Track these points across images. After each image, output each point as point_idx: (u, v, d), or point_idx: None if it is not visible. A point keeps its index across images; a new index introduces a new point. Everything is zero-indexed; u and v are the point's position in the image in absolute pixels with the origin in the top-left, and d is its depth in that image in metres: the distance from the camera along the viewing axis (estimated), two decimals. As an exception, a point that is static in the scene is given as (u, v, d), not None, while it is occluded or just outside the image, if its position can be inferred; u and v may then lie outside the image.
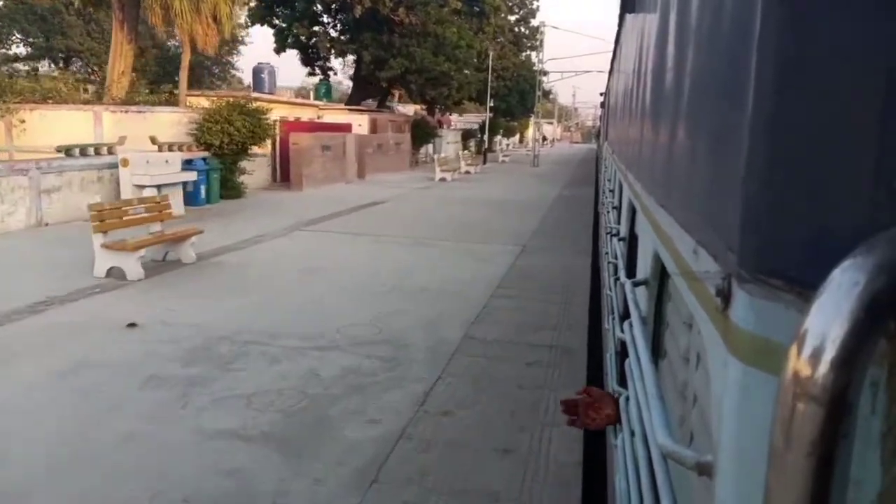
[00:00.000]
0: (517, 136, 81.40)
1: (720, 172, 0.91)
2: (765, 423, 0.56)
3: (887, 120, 0.61)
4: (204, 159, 13.73)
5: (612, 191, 6.24)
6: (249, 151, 15.05)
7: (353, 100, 34.89)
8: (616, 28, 7.21)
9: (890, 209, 0.62)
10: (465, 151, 32.44)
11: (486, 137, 36.39)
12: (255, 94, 21.31)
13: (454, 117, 65.32)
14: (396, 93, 34.92)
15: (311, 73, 34.94)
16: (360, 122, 28.77)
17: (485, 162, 32.98)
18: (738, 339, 0.72)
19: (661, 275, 1.69)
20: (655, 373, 1.40)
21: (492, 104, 41.80)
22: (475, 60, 36.80)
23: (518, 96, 47.45)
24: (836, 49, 0.65)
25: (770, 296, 0.69)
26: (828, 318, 0.48)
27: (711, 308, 0.85)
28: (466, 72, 34.56)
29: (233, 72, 41.57)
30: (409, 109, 38.18)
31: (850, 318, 0.46)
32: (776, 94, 0.69)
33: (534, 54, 40.76)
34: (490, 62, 37.95)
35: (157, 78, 27.03)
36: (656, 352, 1.70)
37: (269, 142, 18.15)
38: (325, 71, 35.99)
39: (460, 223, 11.01)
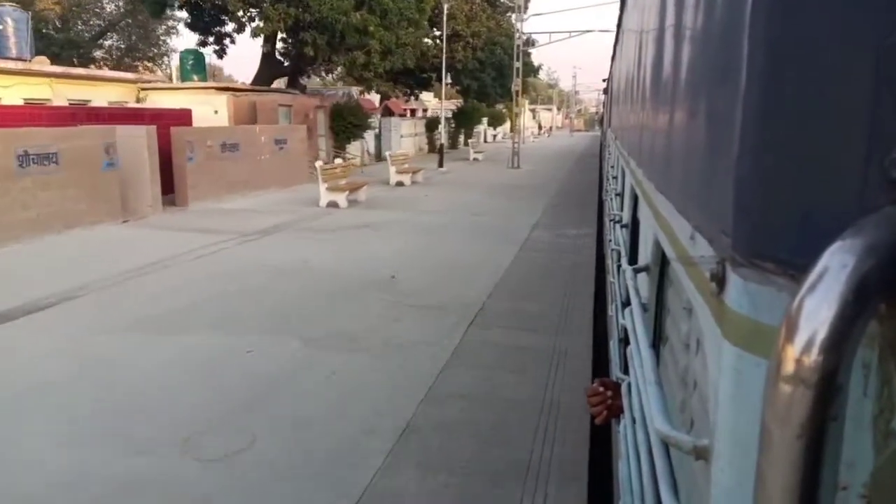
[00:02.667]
0: (507, 125, 67.33)
1: (714, 157, 0.91)
2: (758, 406, 0.56)
3: (877, 103, 0.60)
4: None
5: (615, 177, 6.07)
6: None
7: (262, 79, 26.78)
8: (618, 12, 7.01)
9: (879, 191, 0.60)
10: (400, 151, 26.01)
11: (441, 129, 31.77)
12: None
13: (433, 102, 57.00)
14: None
15: (203, 43, 26.97)
16: (216, 108, 20.22)
17: (441, 164, 27.68)
18: (733, 323, 0.74)
19: (662, 261, 1.69)
20: (654, 359, 1.43)
21: (450, 81, 22.81)
22: (420, 17, 27.34)
23: (494, 72, 33.92)
24: (825, 32, 0.65)
25: (762, 279, 0.69)
26: (817, 300, 0.48)
27: (707, 292, 0.87)
28: (407, 29, 25.30)
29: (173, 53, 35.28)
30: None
31: (839, 301, 0.47)
32: (766, 77, 0.69)
33: (514, 17, 32.98)
34: (445, 20, 29.44)
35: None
36: (658, 338, 1.74)
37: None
38: (221, 39, 27.26)
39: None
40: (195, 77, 21.29)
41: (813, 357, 0.47)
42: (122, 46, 31.96)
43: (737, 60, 0.74)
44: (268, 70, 24.88)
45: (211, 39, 24.18)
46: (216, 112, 17.56)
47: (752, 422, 0.64)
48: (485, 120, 56.38)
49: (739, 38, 0.74)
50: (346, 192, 14.50)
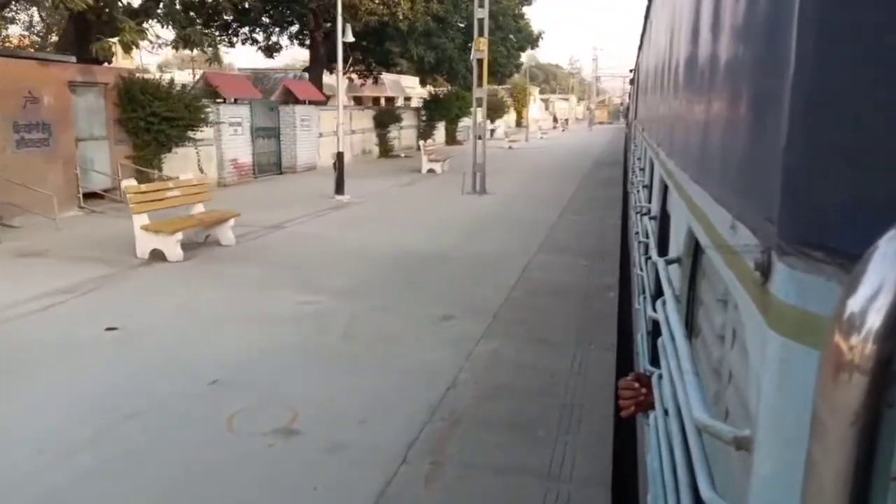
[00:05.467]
0: (511, 117, 53.82)
1: (760, 144, 0.94)
2: (805, 396, 0.59)
3: None
4: None
5: (641, 169, 6.12)
6: None
7: (67, 42, 17.90)
8: (646, 3, 7.34)
9: None
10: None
11: (338, 127, 17.88)
12: None
13: (420, 89, 42.63)
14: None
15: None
16: None
17: (339, 189, 16.88)
18: (778, 312, 0.76)
19: (695, 252, 1.81)
20: (690, 349, 1.50)
21: (345, 41, 19.88)
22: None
23: (462, 36, 18.68)
24: (877, 16, 0.65)
25: (811, 268, 0.70)
26: (872, 287, 0.49)
27: (750, 282, 0.90)
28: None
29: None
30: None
31: None
32: (817, 62, 0.70)
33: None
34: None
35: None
36: (689, 330, 1.83)
37: None
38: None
39: None
40: None
41: (868, 344, 0.47)
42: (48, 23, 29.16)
43: (785, 45, 0.76)
44: (77, 28, 17.24)
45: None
46: None
47: (797, 412, 0.65)
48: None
49: (788, 23, 0.75)
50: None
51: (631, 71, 22.77)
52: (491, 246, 11.53)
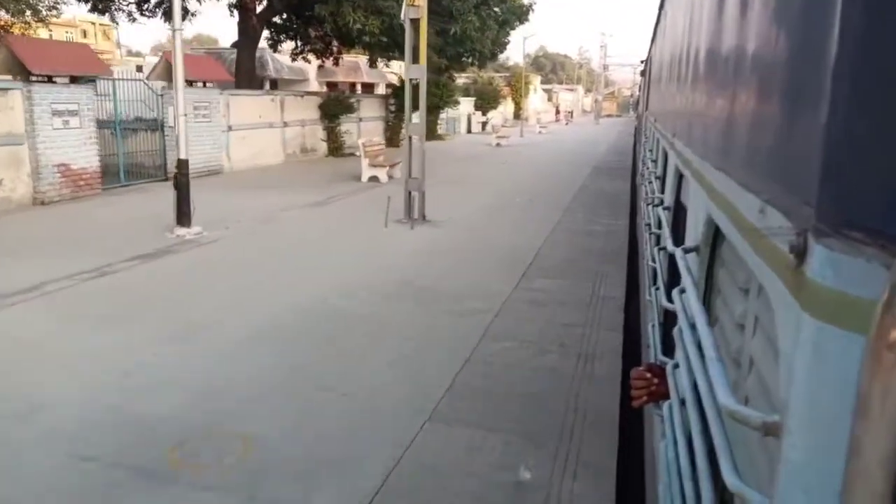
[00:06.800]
0: (510, 108, 48.22)
1: (796, 125, 0.93)
2: (841, 380, 0.64)
3: None
4: None
5: (654, 161, 6.31)
6: None
7: None
8: None
9: None
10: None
11: (178, 124, 9.56)
12: None
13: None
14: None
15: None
16: None
17: (184, 219, 10.49)
18: (814, 296, 0.76)
19: (715, 240, 1.85)
20: (713, 336, 1.52)
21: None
22: None
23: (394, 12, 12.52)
24: None
25: (851, 250, 0.69)
26: None
27: (782, 266, 0.89)
28: None
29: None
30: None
31: None
32: (863, 39, 0.68)
33: None
34: None
35: None
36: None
37: None
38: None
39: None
40: None
41: None
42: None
43: (829, 21, 0.73)
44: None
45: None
46: None
47: (832, 396, 0.66)
48: (468, 102, 37.51)
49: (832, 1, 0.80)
50: None
51: (642, 62, 22.26)
52: (343, 400, 5.00)
